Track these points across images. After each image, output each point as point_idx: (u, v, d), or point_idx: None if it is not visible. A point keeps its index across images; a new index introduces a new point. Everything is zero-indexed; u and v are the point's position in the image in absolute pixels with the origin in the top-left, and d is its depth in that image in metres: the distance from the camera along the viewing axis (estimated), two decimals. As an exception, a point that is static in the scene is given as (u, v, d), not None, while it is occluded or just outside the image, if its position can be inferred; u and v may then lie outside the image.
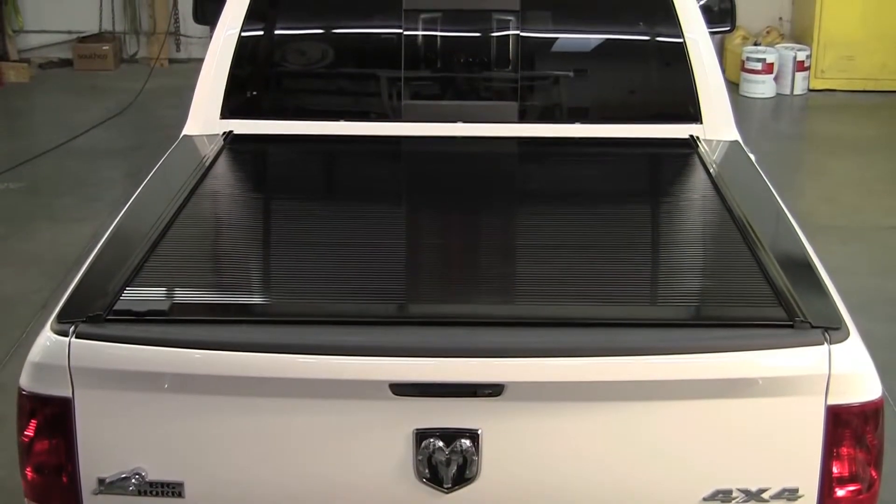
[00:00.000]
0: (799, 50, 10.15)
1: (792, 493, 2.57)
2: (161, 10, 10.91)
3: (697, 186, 3.58)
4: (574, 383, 2.50)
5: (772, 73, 10.06)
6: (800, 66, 10.12)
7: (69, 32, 10.88)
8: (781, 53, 10.13)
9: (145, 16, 11.00)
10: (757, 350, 2.50)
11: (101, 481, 2.57)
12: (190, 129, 3.96)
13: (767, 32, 10.58)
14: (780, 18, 10.80)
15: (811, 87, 10.23)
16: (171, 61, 10.90)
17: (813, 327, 2.53)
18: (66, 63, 10.87)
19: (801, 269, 2.86)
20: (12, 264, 6.45)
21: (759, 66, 10.02)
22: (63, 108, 9.71)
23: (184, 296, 2.84)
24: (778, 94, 10.14)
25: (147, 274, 2.81)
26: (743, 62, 10.07)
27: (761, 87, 10.06)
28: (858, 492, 2.60)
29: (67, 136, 8.70)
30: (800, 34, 10.57)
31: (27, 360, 2.57)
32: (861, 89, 10.16)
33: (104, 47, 10.80)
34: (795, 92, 10.17)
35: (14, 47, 10.75)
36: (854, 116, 9.59)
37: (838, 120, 9.53)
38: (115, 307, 2.61)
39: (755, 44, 10.40)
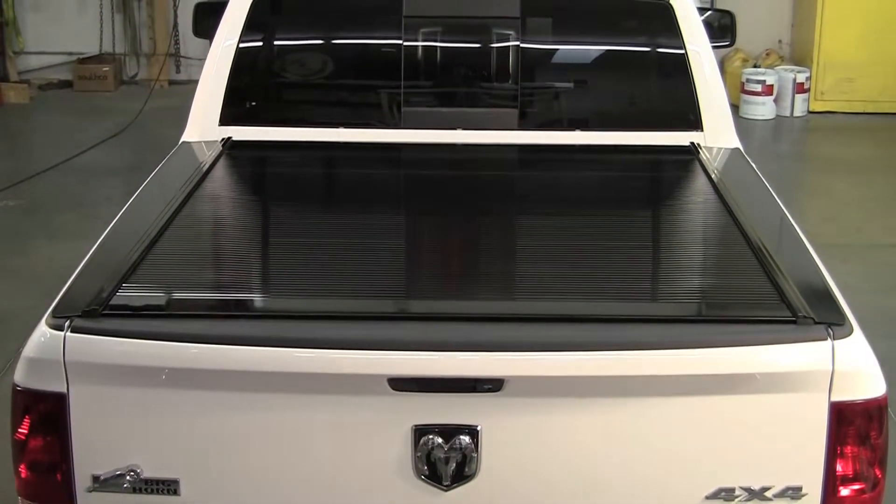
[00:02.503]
0: (798, 72, 10.16)
1: (795, 492, 2.53)
2: (161, 31, 10.94)
3: (699, 190, 3.56)
4: (575, 378, 2.47)
5: (771, 94, 10.07)
6: (799, 88, 10.13)
7: (69, 54, 10.90)
8: (781, 75, 10.14)
9: (145, 37, 11.02)
10: (760, 345, 2.47)
11: (95, 478, 2.54)
12: (189, 135, 3.95)
13: (767, 55, 10.60)
14: (780, 41, 10.83)
15: (811, 109, 10.24)
16: (171, 83, 10.91)
17: (816, 323, 2.51)
18: (66, 84, 10.88)
19: (804, 268, 2.84)
20: (10, 280, 6.44)
21: (758, 87, 10.03)
22: (62, 128, 9.71)
23: (181, 292, 2.81)
24: (778, 116, 10.15)
25: (144, 271, 2.79)
26: (743, 84, 10.07)
27: (761, 109, 10.06)
28: (862, 491, 2.56)
29: (67, 155, 8.69)
30: (799, 56, 10.59)
31: (22, 355, 2.55)
32: (861, 111, 10.17)
33: (104, 68, 10.80)
34: (795, 114, 10.18)
35: (14, 68, 10.77)
36: (854, 138, 9.60)
37: (838, 141, 9.53)
38: (112, 302, 2.59)
39: (755, 66, 10.41)
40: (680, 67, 3.99)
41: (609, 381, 2.48)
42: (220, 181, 3.60)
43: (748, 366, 2.47)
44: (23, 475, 2.60)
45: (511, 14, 4.03)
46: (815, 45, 10.15)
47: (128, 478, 2.53)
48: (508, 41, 4.03)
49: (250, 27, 4.07)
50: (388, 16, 4.06)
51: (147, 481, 2.54)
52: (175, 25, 10.93)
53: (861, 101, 10.18)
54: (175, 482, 2.54)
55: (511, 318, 2.63)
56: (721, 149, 3.86)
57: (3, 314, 5.94)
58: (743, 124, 9.76)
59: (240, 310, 2.72)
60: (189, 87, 10.27)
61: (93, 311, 2.53)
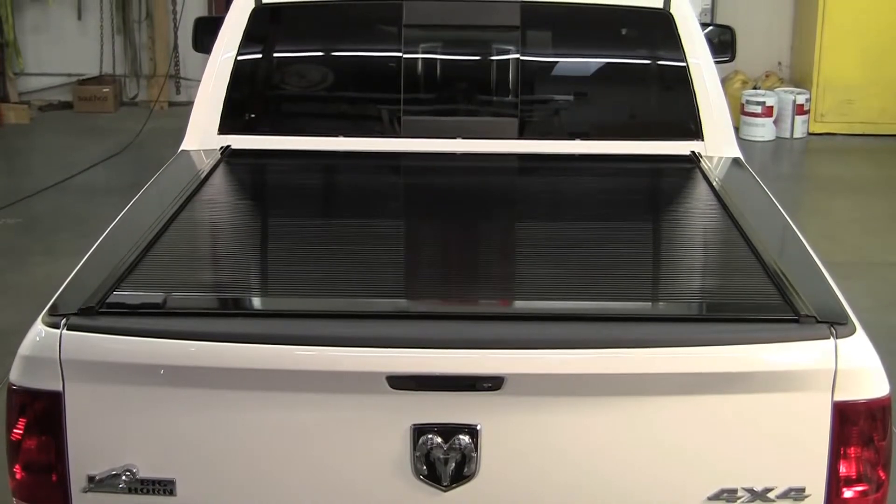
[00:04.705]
0: (798, 94, 10.17)
1: (798, 493, 2.50)
2: (161, 53, 10.95)
3: (700, 196, 3.55)
4: (577, 376, 2.45)
5: (771, 116, 10.07)
6: (799, 110, 10.14)
7: (69, 75, 10.92)
8: (781, 97, 10.15)
9: (145, 59, 11.04)
10: (762, 343, 2.45)
11: (90, 479, 2.51)
12: (188, 143, 3.94)
13: (767, 76, 10.61)
14: (780, 63, 10.84)
15: (811, 131, 10.25)
16: (171, 104, 10.93)
17: (819, 322, 2.49)
18: (66, 105, 10.90)
19: (806, 269, 2.83)
20: (8, 296, 6.42)
21: (758, 109, 10.04)
22: (62, 148, 9.72)
23: (178, 291, 2.77)
24: (777, 138, 10.16)
25: (141, 271, 2.77)
26: (742, 105, 10.08)
27: (761, 131, 10.07)
28: (865, 493, 2.53)
29: (66, 174, 8.70)
30: (799, 78, 10.60)
31: (18, 353, 2.53)
32: (860, 133, 10.18)
33: (104, 90, 10.82)
34: (795, 135, 10.18)
35: (14, 89, 10.78)
36: (853, 159, 9.60)
37: (838, 162, 9.54)
38: (108, 300, 2.57)
39: (755, 88, 10.42)
40: (680, 77, 3.99)
41: (610, 379, 2.45)
42: (219, 187, 3.58)
43: (750, 364, 2.45)
44: (17, 476, 2.57)
45: (511, 23, 4.02)
46: (815, 67, 10.17)
47: (123, 478, 2.50)
48: (509, 50, 4.02)
49: (249, 37, 4.07)
50: (388, 25, 4.06)
51: (143, 481, 2.51)
52: (175, 47, 10.95)
53: (861, 122, 10.19)
54: (171, 482, 2.51)
55: (511, 316, 2.61)
56: (722, 158, 3.86)
57: (1, 330, 5.92)
58: (743, 146, 9.71)
59: (238, 308, 2.70)
60: (189, 108, 10.29)
61: (89, 308, 2.51)
